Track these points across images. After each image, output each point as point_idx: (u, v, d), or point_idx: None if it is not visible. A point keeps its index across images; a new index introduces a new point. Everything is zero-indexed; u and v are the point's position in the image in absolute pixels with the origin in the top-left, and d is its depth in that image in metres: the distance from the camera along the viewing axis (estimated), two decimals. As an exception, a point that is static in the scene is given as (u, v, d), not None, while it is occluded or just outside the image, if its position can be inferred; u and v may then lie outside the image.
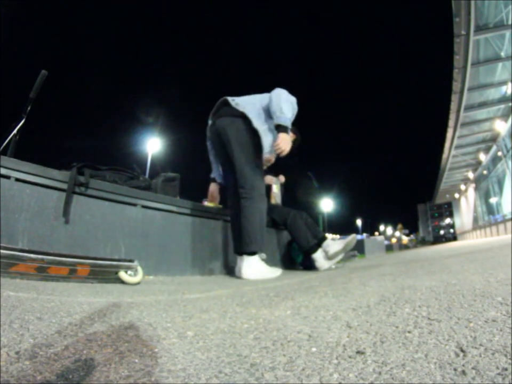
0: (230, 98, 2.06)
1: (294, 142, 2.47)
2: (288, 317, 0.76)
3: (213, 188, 2.47)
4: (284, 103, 1.96)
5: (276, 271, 1.93)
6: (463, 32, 8.13)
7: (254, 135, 1.97)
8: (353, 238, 2.41)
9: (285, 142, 1.93)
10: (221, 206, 2.47)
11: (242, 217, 1.95)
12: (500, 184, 16.21)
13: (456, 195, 26.36)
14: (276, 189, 3.07)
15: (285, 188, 3.26)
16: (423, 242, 49.87)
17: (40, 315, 0.69)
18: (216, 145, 2.18)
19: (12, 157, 1.53)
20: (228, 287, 1.48)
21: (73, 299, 0.90)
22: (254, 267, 1.88)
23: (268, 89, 2.10)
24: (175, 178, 2.22)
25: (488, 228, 16.99)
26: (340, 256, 2.39)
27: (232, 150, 1.98)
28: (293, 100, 2.07)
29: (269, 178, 2.97)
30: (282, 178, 3.21)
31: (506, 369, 0.39)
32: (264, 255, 2.01)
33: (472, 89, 10.47)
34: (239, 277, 1.89)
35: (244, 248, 1.92)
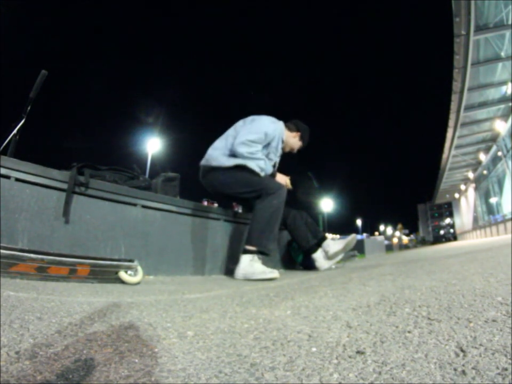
0: (203, 161, 2.24)
1: (301, 138, 2.52)
2: (288, 317, 0.76)
3: None
4: (258, 162, 2.14)
5: (271, 273, 1.81)
6: (463, 32, 8.12)
7: (237, 167, 2.09)
8: (353, 238, 2.41)
9: (284, 181, 2.41)
10: None
11: (252, 215, 2.05)
12: (500, 184, 16.20)
13: (456, 195, 26.33)
14: None
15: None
16: (423, 242, 49.82)
17: (40, 315, 0.69)
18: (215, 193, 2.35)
19: (12, 157, 1.53)
20: (227, 287, 1.48)
21: (73, 299, 0.90)
22: (243, 266, 1.87)
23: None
24: (175, 178, 2.23)
25: (488, 227, 16.96)
26: (340, 256, 2.39)
27: (232, 195, 2.19)
28: (261, 134, 2.14)
29: None
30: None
31: (506, 369, 0.39)
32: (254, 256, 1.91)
33: (472, 89, 10.46)
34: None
35: (244, 245, 1.95)
